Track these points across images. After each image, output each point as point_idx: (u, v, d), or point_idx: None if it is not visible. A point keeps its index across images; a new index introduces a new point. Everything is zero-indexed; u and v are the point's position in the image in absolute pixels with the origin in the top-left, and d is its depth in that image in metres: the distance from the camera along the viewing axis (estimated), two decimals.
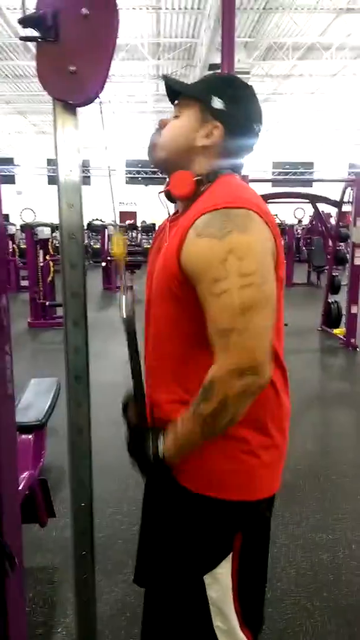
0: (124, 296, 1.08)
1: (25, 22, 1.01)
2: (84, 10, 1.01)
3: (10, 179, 21.83)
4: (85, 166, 20.10)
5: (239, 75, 1.22)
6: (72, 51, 1.04)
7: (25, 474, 1.88)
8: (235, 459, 1.03)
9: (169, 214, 1.15)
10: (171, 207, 1.17)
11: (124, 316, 1.07)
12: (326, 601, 1.91)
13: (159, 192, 1.14)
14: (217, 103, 1.04)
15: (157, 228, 1.30)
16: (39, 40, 1.04)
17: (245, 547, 1.08)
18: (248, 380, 0.90)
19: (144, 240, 15.46)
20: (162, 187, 1.14)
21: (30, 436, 2.39)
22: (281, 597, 1.93)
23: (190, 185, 1.03)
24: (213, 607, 1.08)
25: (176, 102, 1.11)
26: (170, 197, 1.13)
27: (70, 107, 1.09)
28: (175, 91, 1.11)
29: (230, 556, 1.07)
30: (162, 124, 1.11)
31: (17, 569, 1.09)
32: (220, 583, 1.07)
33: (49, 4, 1.00)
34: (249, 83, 1.12)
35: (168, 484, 1.08)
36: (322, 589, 1.98)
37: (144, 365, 1.13)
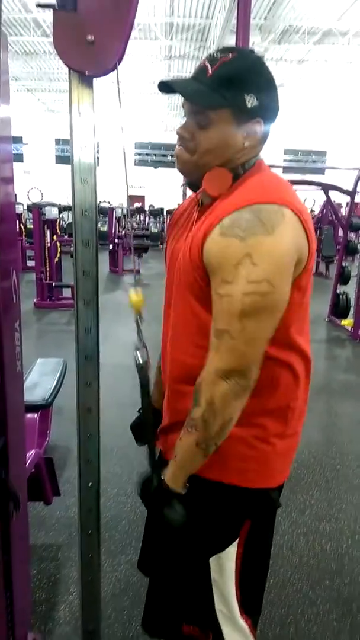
0: (138, 351, 1.04)
1: None
2: None
3: (18, 158, 21.63)
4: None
5: None
6: (91, 20, 1.01)
7: (31, 452, 1.89)
8: (249, 445, 1.02)
9: (199, 204, 1.06)
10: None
11: (140, 362, 1.04)
12: (328, 590, 1.91)
13: (182, 185, 1.10)
14: (252, 101, 0.94)
15: (172, 211, 1.25)
16: (57, 8, 1.00)
17: (251, 535, 1.08)
18: (232, 383, 0.91)
19: (151, 224, 15.35)
20: (171, 170, 1.10)
21: (36, 415, 2.40)
22: (283, 584, 1.93)
23: (228, 183, 0.98)
24: (216, 589, 1.10)
25: (190, 105, 0.98)
26: (192, 185, 1.08)
27: (86, 79, 1.06)
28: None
29: (236, 542, 1.08)
30: (188, 136, 0.98)
31: (22, 546, 1.09)
32: (224, 568, 1.08)
33: None
34: None
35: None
36: (324, 577, 1.98)
37: (162, 356, 1.12)
